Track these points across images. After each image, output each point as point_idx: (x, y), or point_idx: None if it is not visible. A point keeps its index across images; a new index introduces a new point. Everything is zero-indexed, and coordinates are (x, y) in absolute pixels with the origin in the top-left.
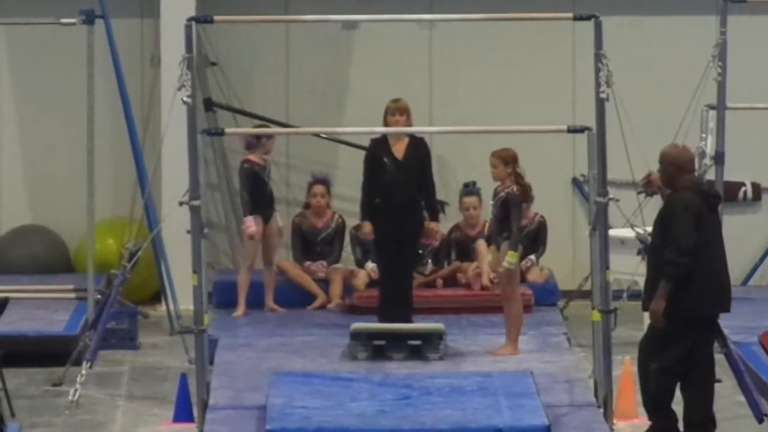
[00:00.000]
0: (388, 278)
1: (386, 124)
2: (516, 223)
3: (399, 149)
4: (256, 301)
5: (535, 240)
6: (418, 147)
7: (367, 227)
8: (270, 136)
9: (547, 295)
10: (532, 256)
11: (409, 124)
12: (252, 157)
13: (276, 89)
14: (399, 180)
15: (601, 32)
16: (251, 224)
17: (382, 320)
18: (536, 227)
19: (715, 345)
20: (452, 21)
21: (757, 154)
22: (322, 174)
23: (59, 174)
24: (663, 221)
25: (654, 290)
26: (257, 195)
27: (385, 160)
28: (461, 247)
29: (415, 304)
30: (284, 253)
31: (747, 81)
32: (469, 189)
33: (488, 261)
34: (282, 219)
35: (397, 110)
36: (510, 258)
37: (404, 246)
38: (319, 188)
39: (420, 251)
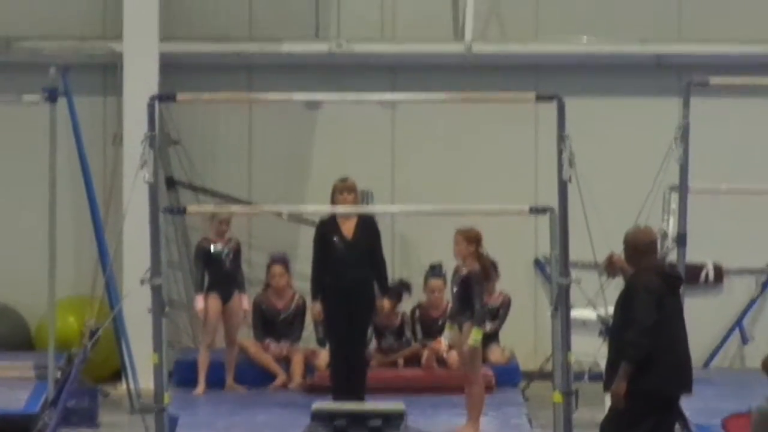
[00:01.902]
0: (340, 357)
1: (334, 202)
2: (479, 300)
3: (348, 228)
4: (216, 380)
5: (497, 316)
6: (367, 225)
7: (316, 307)
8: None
9: (508, 376)
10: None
11: (356, 202)
12: (209, 235)
13: (238, 168)
14: (349, 259)
15: (563, 113)
16: (199, 302)
17: (336, 399)
18: (499, 304)
19: (677, 427)
20: (415, 101)
21: (719, 236)
22: (280, 253)
23: (20, 251)
24: (624, 302)
25: (615, 371)
26: (210, 273)
27: (335, 239)
28: (424, 327)
29: (376, 383)
30: (246, 331)
31: (709, 163)
32: (436, 271)
33: (449, 340)
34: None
35: (345, 189)
36: (475, 335)
37: (356, 324)
38: (277, 268)
39: (381, 332)
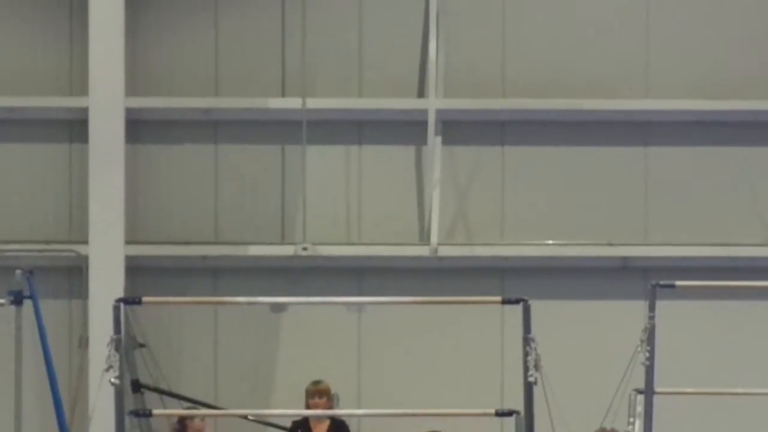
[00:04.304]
0: None
1: (307, 406)
2: None
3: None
4: None
5: None
6: (339, 429)
7: None
8: (200, 419)
9: None
10: None
11: (329, 406)
12: None
13: (204, 371)
14: None
15: (529, 316)
16: None
17: None
18: None
19: None
20: (381, 304)
21: None
22: None
23: None
24: None
25: None
26: None
27: None
28: None
29: None
30: None
31: (675, 365)
32: None
33: None
34: None
35: (317, 392)
36: None
37: None
38: None
39: None
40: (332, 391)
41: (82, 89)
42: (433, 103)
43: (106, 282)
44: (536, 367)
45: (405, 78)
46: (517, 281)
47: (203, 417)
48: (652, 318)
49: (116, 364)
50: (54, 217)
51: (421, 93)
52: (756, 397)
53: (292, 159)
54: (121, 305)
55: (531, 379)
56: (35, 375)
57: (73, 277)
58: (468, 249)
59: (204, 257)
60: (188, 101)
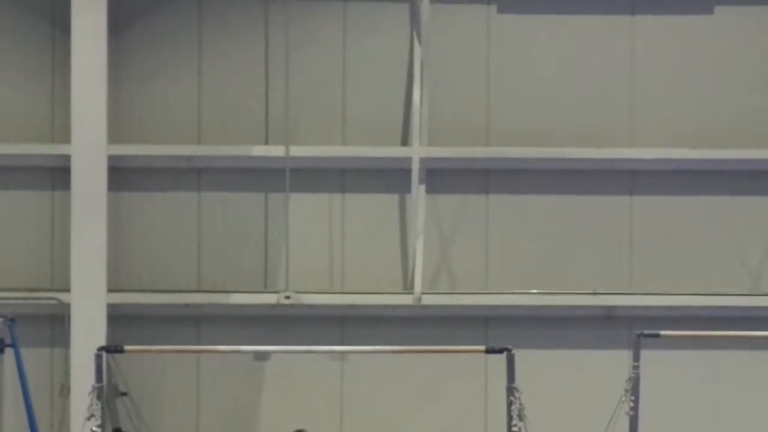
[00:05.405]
0: None
1: None
2: None
3: None
4: None
5: None
6: None
7: None
8: None
9: None
10: None
11: None
12: None
13: (186, 419)
14: None
15: (513, 365)
16: None
17: None
18: None
19: None
20: (364, 353)
21: None
22: None
23: None
24: None
25: None
26: None
27: None
28: None
29: None
30: None
31: (660, 415)
32: None
33: None
34: None
35: None
36: None
37: None
38: None
39: None
40: None
41: (65, 137)
42: (416, 152)
43: (88, 330)
44: (520, 416)
45: (389, 126)
46: (501, 330)
47: None
48: (636, 368)
49: (98, 413)
50: (36, 265)
51: (405, 141)
52: None
53: (275, 207)
54: (103, 353)
55: (515, 428)
56: (16, 423)
57: (55, 325)
58: (452, 298)
59: (186, 305)
60: (171, 149)
